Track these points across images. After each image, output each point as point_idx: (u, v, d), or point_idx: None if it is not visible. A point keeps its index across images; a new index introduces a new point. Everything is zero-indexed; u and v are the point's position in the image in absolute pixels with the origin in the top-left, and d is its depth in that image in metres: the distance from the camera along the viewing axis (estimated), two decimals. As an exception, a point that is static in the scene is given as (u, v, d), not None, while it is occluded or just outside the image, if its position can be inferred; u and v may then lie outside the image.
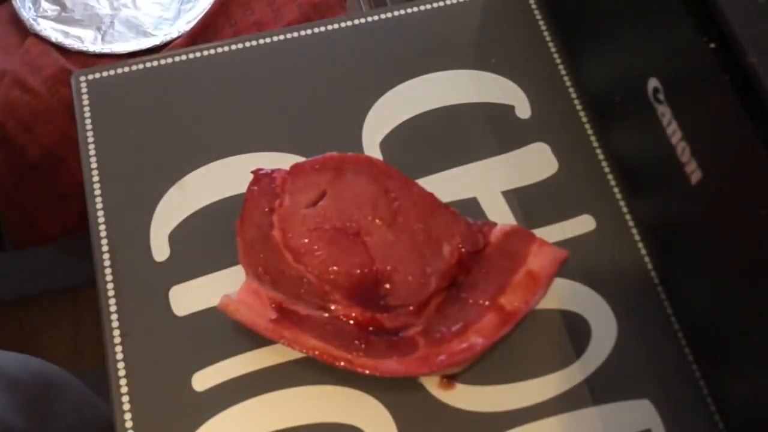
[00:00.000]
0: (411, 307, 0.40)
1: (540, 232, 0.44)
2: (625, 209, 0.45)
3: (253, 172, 0.43)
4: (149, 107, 0.46)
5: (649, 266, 0.44)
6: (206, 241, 0.43)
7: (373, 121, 0.46)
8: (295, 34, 0.49)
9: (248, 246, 0.41)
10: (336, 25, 0.49)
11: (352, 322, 0.40)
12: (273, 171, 0.42)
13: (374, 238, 0.41)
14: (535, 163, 0.46)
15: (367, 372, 0.39)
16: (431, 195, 0.43)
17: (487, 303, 0.41)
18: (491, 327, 0.40)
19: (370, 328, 0.40)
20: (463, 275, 0.41)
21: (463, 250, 0.41)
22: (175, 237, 0.43)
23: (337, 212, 0.42)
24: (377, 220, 0.41)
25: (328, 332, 0.39)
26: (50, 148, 0.73)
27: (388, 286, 0.40)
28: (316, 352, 0.39)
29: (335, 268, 0.40)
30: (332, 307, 0.40)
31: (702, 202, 0.37)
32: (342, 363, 0.39)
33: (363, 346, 0.39)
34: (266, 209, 0.41)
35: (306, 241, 0.41)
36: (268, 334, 0.39)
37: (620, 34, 0.42)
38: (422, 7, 0.50)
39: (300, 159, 0.44)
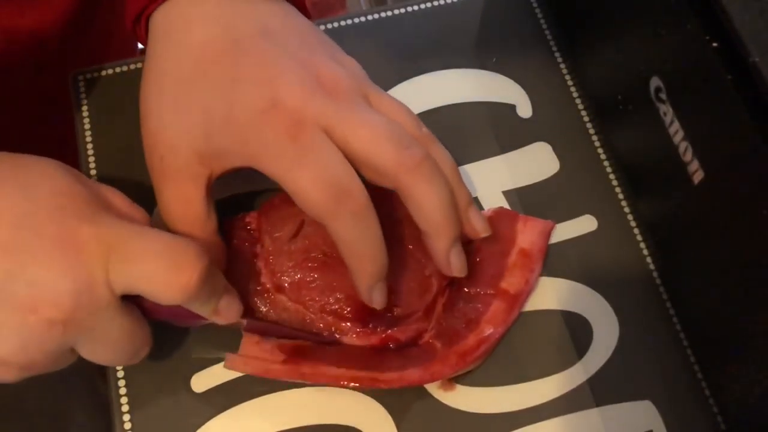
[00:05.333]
0: (420, 313, 0.40)
1: (541, 232, 0.44)
2: (627, 209, 0.45)
3: (225, 220, 0.40)
4: (148, 107, 0.46)
5: (651, 266, 0.44)
6: (205, 241, 0.43)
7: (373, 120, 0.46)
8: (295, 33, 0.48)
9: (247, 308, 0.39)
10: (335, 24, 0.49)
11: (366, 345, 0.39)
12: (244, 216, 0.41)
13: None
14: (537, 162, 0.46)
15: (396, 386, 0.38)
16: None
17: (490, 291, 0.41)
18: (501, 313, 0.40)
19: (390, 346, 0.40)
20: None
21: None
22: (174, 237, 0.43)
23: (322, 237, 0.40)
24: None
25: (346, 357, 0.39)
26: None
27: (392, 296, 0.40)
28: (343, 382, 0.38)
29: (337, 295, 0.39)
30: (343, 339, 0.39)
31: (704, 202, 0.37)
32: (368, 382, 0.38)
33: (383, 363, 0.38)
34: (249, 255, 0.40)
35: (299, 276, 0.39)
36: (286, 375, 0.38)
37: (622, 33, 0.42)
38: (422, 6, 0.50)
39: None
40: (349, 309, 0.39)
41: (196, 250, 0.33)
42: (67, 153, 0.48)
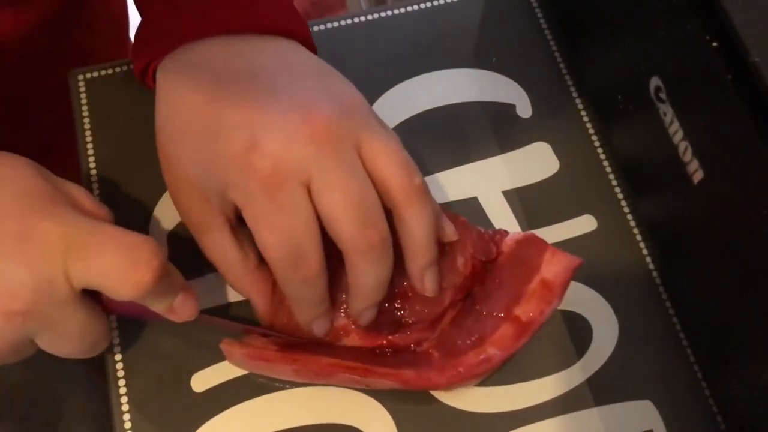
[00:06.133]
0: (426, 323, 0.39)
1: (541, 232, 0.44)
2: (626, 209, 0.45)
3: None
4: (148, 106, 0.46)
5: (651, 266, 0.44)
6: (205, 241, 0.43)
7: (373, 120, 0.46)
8: (295, 33, 0.48)
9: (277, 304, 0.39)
10: (335, 24, 0.49)
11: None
12: None
13: None
14: (536, 162, 0.46)
15: (389, 381, 0.38)
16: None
17: (502, 314, 0.40)
18: (507, 339, 0.39)
19: (386, 351, 0.40)
20: (478, 286, 0.41)
21: (475, 259, 0.40)
22: (174, 237, 0.43)
23: (326, 237, 0.38)
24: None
25: (340, 352, 0.39)
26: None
27: (401, 302, 0.39)
28: (336, 372, 0.38)
29: (344, 296, 0.39)
30: (343, 338, 0.39)
31: (704, 202, 0.37)
32: (361, 372, 0.38)
33: (378, 361, 0.38)
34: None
35: None
36: (279, 360, 0.38)
37: (622, 33, 0.42)
38: (422, 5, 0.50)
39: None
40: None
41: (151, 248, 0.33)
42: (62, 152, 0.48)
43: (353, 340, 0.39)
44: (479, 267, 0.41)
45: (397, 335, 0.39)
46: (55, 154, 0.46)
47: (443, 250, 0.40)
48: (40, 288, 0.32)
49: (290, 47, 0.40)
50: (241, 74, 0.37)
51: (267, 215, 0.35)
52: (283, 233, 0.35)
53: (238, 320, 0.41)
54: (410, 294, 0.39)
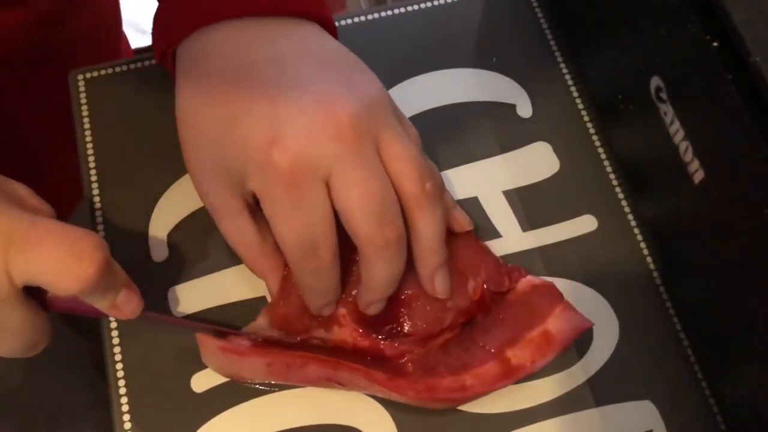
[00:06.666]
0: (419, 337, 0.39)
1: (541, 232, 0.44)
2: (627, 209, 0.45)
3: None
4: (148, 106, 0.46)
5: (652, 266, 0.44)
6: (205, 241, 0.43)
7: (373, 120, 0.46)
8: (295, 33, 0.48)
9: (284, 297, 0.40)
10: (335, 24, 0.49)
11: (349, 347, 0.39)
12: None
13: None
14: (537, 162, 0.46)
15: (358, 376, 0.38)
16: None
17: (493, 350, 0.40)
18: (490, 376, 0.39)
19: (368, 357, 0.39)
20: (481, 315, 0.40)
21: (485, 287, 0.40)
22: (173, 237, 0.43)
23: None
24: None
25: (316, 349, 0.39)
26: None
27: (404, 310, 0.40)
28: (307, 362, 0.38)
29: (353, 291, 0.39)
30: (333, 329, 0.39)
31: (705, 202, 0.37)
32: (332, 365, 0.38)
33: (352, 359, 0.38)
34: None
35: None
36: (253, 354, 0.38)
37: (622, 33, 0.42)
38: (422, 5, 0.50)
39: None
40: (352, 302, 0.39)
41: (94, 241, 0.33)
42: (58, 152, 0.48)
43: (345, 332, 0.39)
44: (488, 296, 0.40)
45: (387, 342, 0.39)
46: (51, 155, 0.46)
47: (457, 270, 0.40)
48: None
49: (311, 31, 0.39)
50: (262, 60, 0.37)
51: (284, 210, 0.35)
52: (299, 228, 0.35)
53: (214, 323, 0.41)
54: (414, 305, 0.40)
